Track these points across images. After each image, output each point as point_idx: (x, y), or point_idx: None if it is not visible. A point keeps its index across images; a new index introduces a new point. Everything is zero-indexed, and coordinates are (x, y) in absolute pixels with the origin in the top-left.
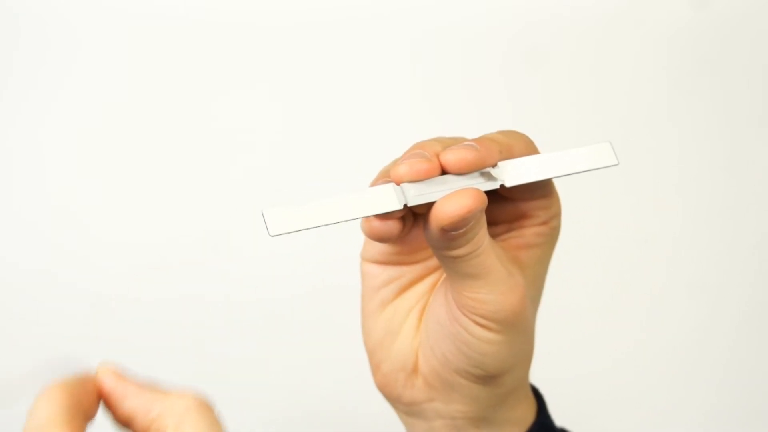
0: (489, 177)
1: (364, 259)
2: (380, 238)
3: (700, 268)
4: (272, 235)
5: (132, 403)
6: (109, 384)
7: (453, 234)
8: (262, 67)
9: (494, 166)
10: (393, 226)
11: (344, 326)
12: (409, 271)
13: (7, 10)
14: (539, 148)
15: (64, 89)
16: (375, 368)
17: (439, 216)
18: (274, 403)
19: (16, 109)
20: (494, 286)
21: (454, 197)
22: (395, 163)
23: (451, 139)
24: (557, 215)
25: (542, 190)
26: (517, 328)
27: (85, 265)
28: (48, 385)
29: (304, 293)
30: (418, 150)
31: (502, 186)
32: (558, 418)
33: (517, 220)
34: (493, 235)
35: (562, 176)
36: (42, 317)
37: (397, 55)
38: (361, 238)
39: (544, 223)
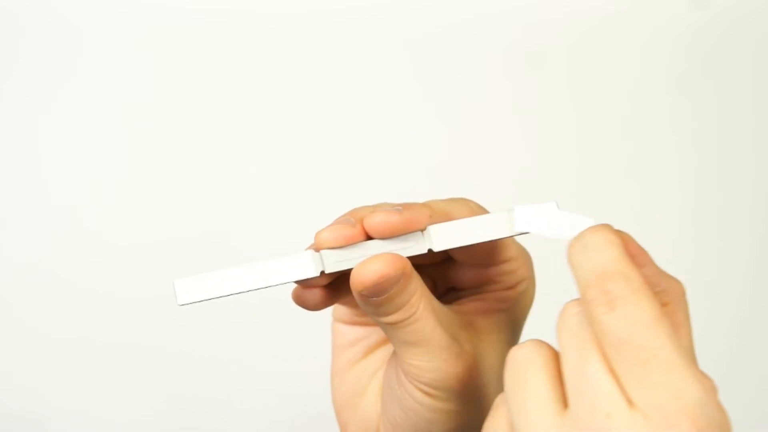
0: (414, 241)
1: (334, 317)
2: (304, 306)
3: (700, 268)
4: (180, 304)
5: (649, 271)
6: (637, 248)
7: (375, 300)
8: (262, 68)
9: (423, 230)
10: (315, 294)
11: None
12: (376, 332)
13: (7, 11)
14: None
15: (65, 89)
16: (342, 427)
17: (354, 282)
18: (274, 403)
19: (16, 110)
20: (436, 353)
21: (368, 263)
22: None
23: (390, 205)
24: (526, 279)
25: (504, 254)
26: (465, 397)
27: (85, 265)
28: (598, 228)
29: None
30: (346, 216)
31: (429, 250)
32: None
33: (482, 284)
34: (456, 299)
35: (498, 239)
36: (42, 317)
37: (398, 56)
38: None
39: (510, 287)
